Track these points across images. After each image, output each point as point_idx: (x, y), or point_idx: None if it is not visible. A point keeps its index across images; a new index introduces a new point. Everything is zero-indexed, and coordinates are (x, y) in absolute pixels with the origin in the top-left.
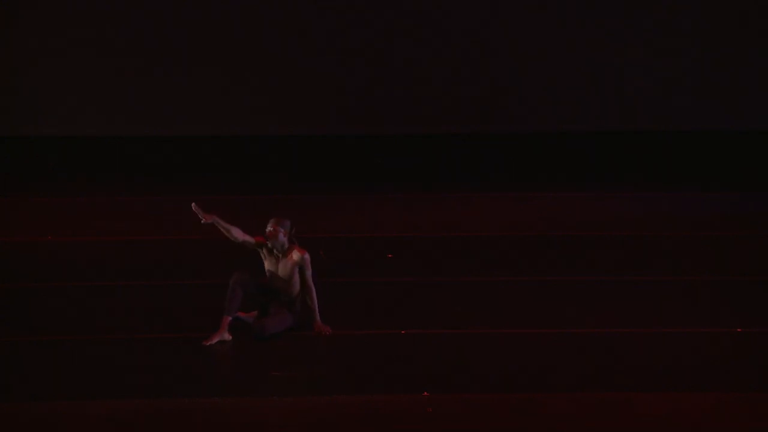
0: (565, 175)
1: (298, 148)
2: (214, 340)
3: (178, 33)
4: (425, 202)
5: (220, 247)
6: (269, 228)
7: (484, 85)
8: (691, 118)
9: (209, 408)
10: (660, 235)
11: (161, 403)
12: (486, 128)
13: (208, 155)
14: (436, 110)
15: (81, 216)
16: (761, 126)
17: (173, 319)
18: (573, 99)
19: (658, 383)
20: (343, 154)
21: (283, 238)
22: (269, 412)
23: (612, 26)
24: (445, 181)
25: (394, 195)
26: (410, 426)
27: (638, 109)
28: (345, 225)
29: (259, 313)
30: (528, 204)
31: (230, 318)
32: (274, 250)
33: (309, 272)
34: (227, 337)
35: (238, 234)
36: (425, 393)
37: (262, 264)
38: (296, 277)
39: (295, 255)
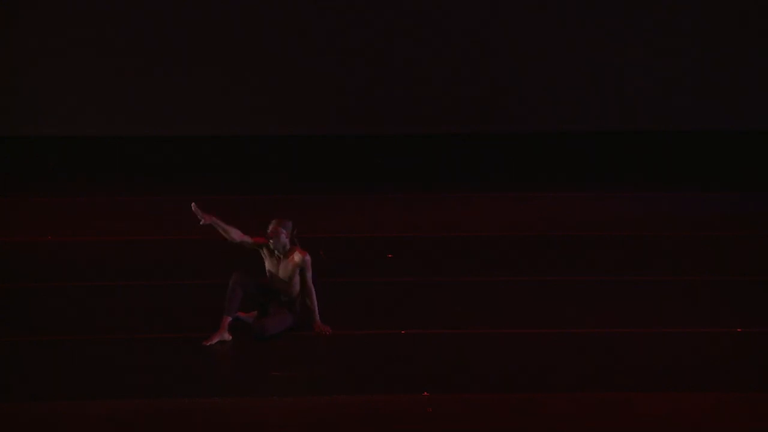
0: (565, 175)
1: (298, 148)
2: (214, 340)
3: (178, 33)
4: (425, 202)
5: (220, 247)
6: (271, 228)
7: (484, 85)
8: (691, 118)
9: (209, 408)
10: (660, 235)
11: (161, 403)
12: (486, 128)
13: (208, 155)
14: (436, 110)
15: (81, 216)
16: (761, 126)
17: (173, 319)
18: (573, 99)
19: (658, 383)
20: (343, 154)
21: (284, 239)
22: (269, 412)
23: (612, 26)
24: (445, 181)
25: (394, 195)
26: (410, 426)
27: (638, 109)
28: (345, 225)
29: (258, 313)
30: (528, 204)
31: (230, 318)
32: (275, 251)
33: (309, 274)
34: (227, 337)
35: (236, 235)
36: (425, 393)
37: (263, 264)
38: (297, 278)
39: (296, 256)
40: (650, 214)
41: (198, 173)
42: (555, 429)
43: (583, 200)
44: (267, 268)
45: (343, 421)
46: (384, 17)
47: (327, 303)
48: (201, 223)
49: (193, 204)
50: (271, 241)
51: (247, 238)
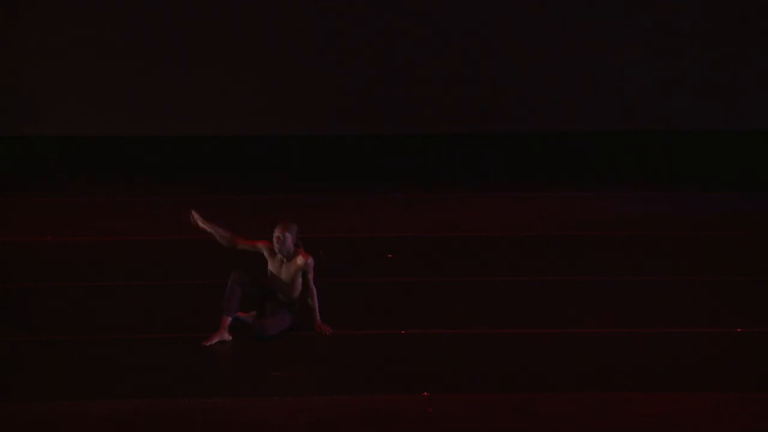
0: (565, 175)
1: (298, 148)
2: (214, 340)
3: (178, 33)
4: (425, 202)
5: (220, 247)
6: (277, 234)
7: (484, 85)
8: (691, 118)
9: (209, 408)
10: (660, 235)
11: (161, 403)
12: (486, 128)
13: (208, 155)
14: (436, 110)
15: (81, 216)
16: (761, 126)
17: (173, 319)
18: (573, 99)
19: (658, 383)
20: (343, 154)
21: (290, 243)
22: (269, 412)
23: (612, 26)
24: (445, 181)
25: (394, 195)
26: (410, 426)
27: (638, 109)
28: (345, 225)
29: (258, 313)
30: (528, 204)
31: (230, 318)
32: (279, 255)
33: (312, 275)
34: (227, 337)
35: (233, 243)
36: (425, 393)
37: (264, 263)
38: (299, 281)
39: (300, 260)
40: (650, 214)
41: (198, 173)
42: (555, 429)
43: (583, 200)
44: (269, 269)
45: (343, 421)
46: (384, 17)
47: (327, 303)
48: (199, 227)
49: (194, 212)
50: (276, 246)
51: (246, 246)
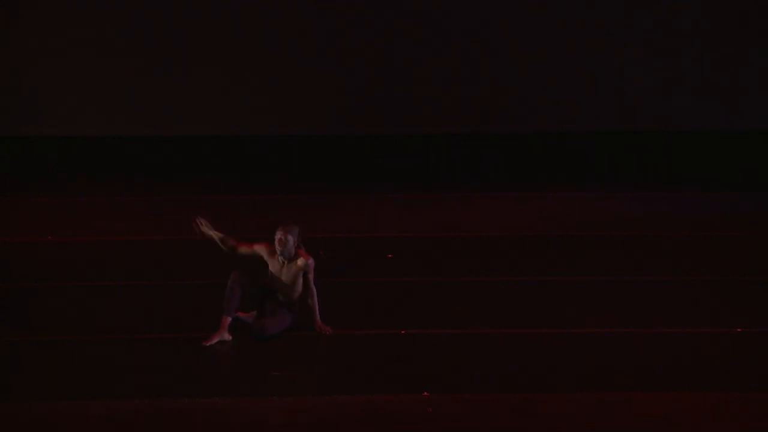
0: (565, 175)
1: (298, 148)
2: (214, 340)
3: (178, 33)
4: (425, 202)
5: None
6: (279, 236)
7: (484, 85)
8: (691, 118)
9: (209, 408)
10: (660, 235)
11: (161, 403)
12: (486, 128)
13: (208, 155)
14: (436, 110)
15: (81, 216)
16: (761, 126)
17: (173, 319)
18: (573, 99)
19: (658, 383)
20: (343, 154)
21: (292, 246)
22: (269, 412)
23: (612, 26)
24: (445, 181)
25: (394, 195)
26: (410, 426)
27: (638, 109)
28: (345, 225)
29: (258, 313)
30: (528, 204)
31: (230, 318)
32: (281, 257)
33: (312, 276)
34: (227, 337)
35: (234, 248)
36: (425, 393)
37: (264, 263)
38: (299, 282)
39: (300, 261)
40: (650, 214)
41: (198, 173)
42: (555, 429)
43: (583, 200)
44: (269, 269)
45: (343, 421)
46: (384, 17)
47: (327, 303)
48: (200, 231)
49: (201, 219)
50: (278, 248)
51: (248, 251)
